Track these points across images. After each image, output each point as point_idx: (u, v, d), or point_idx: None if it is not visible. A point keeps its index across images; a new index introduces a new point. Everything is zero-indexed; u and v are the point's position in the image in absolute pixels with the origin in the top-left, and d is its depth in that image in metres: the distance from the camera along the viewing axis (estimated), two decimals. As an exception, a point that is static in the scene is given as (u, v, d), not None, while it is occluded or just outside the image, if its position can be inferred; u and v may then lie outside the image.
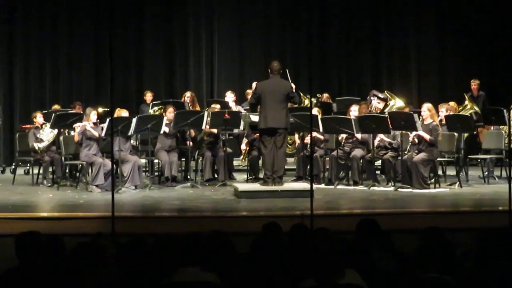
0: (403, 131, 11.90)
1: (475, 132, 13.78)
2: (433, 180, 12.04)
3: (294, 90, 11.99)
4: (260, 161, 12.43)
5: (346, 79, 17.92)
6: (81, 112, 13.26)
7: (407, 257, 5.50)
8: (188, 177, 12.99)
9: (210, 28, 17.75)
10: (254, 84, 12.97)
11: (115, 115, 12.06)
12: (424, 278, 4.53)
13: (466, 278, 4.83)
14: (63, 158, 12.65)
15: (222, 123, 12.61)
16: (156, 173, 13.56)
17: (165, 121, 12.47)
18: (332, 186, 12.33)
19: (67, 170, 12.95)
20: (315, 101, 14.54)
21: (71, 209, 10.21)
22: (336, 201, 11.11)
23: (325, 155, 12.89)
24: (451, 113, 13.03)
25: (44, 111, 13.93)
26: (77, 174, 12.94)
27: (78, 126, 12.21)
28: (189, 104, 14.46)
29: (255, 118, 12.08)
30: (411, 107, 13.94)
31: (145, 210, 10.33)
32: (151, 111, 14.42)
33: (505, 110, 12.87)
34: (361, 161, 12.45)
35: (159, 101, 15.09)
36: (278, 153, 11.29)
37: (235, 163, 14.10)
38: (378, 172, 12.97)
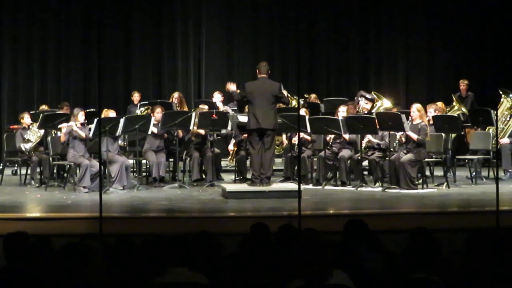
0: (391, 132, 11.94)
1: (462, 133, 13.81)
2: (420, 181, 12.05)
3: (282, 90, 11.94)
4: (248, 162, 12.43)
5: (334, 80, 17.92)
6: (69, 112, 13.22)
7: (395, 257, 5.51)
8: (176, 177, 12.96)
9: (198, 28, 17.72)
10: (229, 85, 12.79)
11: (103, 116, 12.03)
12: (412, 278, 4.55)
13: (453, 278, 4.85)
14: (50, 158, 12.61)
15: (210, 124, 12.60)
16: (144, 174, 13.54)
17: (153, 121, 12.43)
18: (320, 187, 12.34)
19: (54, 171, 12.92)
20: (302, 102, 14.54)
21: (59, 209, 10.18)
22: (323, 201, 11.08)
23: (313, 156, 12.90)
24: (439, 114, 13.05)
25: (31, 112, 13.90)
26: (65, 175, 12.90)
27: (64, 127, 12.17)
28: (177, 105, 14.45)
29: (243, 118, 12.06)
30: (399, 108, 13.96)
31: (133, 211, 10.27)
32: (138, 112, 14.40)
33: (492, 111, 12.91)
34: (348, 161, 12.46)
35: (147, 102, 15.09)
36: (266, 154, 11.27)
37: (223, 163, 14.08)
38: (365, 172, 12.98)
